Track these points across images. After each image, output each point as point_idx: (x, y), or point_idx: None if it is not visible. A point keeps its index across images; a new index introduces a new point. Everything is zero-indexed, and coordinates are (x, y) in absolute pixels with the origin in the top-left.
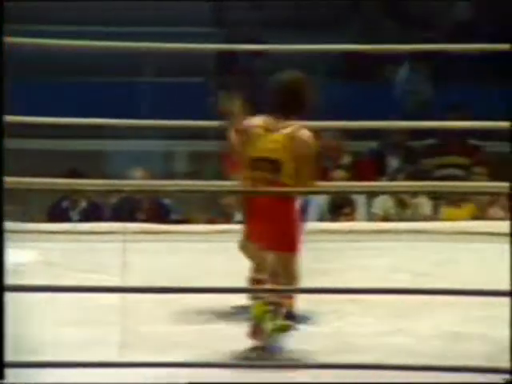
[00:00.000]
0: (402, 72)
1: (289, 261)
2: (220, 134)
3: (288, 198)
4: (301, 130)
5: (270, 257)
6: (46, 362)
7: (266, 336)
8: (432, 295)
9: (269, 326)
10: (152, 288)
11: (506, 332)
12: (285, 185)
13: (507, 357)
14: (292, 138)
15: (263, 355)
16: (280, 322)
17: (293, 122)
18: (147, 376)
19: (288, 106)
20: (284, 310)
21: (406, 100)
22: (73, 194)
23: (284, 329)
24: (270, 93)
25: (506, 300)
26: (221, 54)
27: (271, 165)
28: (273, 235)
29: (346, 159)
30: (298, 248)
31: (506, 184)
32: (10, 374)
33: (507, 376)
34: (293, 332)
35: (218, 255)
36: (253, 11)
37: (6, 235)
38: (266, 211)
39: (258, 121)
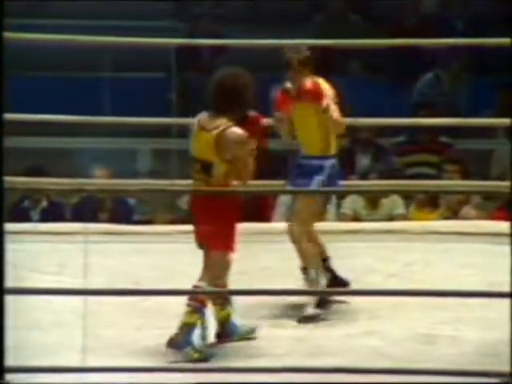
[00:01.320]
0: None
1: (215, 259)
2: (183, 132)
3: (219, 198)
4: (231, 129)
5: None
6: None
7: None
8: (424, 296)
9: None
10: (115, 290)
11: (480, 334)
12: (216, 186)
13: (482, 359)
14: (220, 137)
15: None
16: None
17: (227, 120)
18: (110, 381)
19: (222, 103)
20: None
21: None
22: (34, 193)
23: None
24: (208, 90)
25: (478, 301)
26: (182, 49)
27: (201, 165)
28: (206, 234)
29: None
30: (228, 247)
31: (478, 182)
32: None
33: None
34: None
35: (182, 256)
36: (215, 6)
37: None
38: (200, 211)
39: (197, 118)
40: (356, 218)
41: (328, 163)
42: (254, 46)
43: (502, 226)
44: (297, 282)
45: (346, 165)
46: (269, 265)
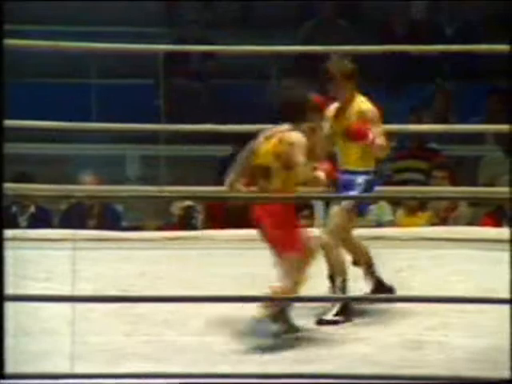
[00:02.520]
0: None
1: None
2: (171, 138)
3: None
4: (290, 133)
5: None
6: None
7: None
8: (422, 303)
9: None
10: (112, 297)
11: (468, 340)
12: (275, 192)
13: (470, 365)
14: (280, 141)
15: None
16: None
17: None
18: None
19: (288, 113)
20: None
21: None
22: (21, 199)
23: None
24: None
25: (468, 307)
26: (171, 55)
27: (261, 172)
28: (274, 238)
29: None
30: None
31: (466, 188)
32: None
33: None
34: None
35: (170, 263)
36: (204, 11)
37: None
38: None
39: (266, 131)
40: None
41: (361, 179)
42: (244, 52)
43: (492, 232)
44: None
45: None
46: (258, 271)
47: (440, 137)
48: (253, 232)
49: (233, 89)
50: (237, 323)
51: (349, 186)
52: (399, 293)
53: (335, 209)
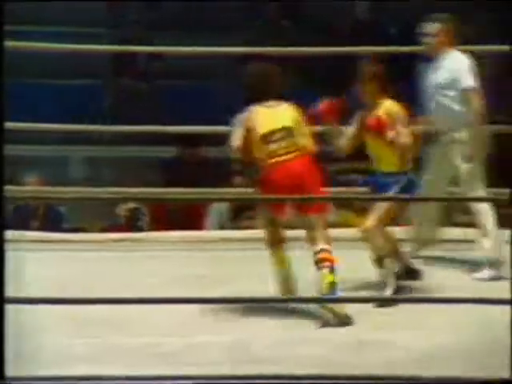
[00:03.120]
0: None
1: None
2: (115, 139)
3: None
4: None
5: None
6: None
7: None
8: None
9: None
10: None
11: (418, 340)
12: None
13: (421, 364)
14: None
15: None
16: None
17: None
18: None
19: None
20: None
21: None
22: None
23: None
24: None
25: (417, 307)
26: (117, 56)
27: (285, 133)
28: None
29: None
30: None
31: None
32: None
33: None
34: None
35: (113, 264)
36: (149, 12)
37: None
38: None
39: (250, 110)
40: (289, 226)
41: (394, 180)
42: (189, 53)
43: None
44: (232, 289)
45: None
46: (204, 273)
47: None
48: (197, 233)
49: (178, 90)
50: (182, 324)
51: (384, 187)
52: (351, 294)
53: (380, 205)
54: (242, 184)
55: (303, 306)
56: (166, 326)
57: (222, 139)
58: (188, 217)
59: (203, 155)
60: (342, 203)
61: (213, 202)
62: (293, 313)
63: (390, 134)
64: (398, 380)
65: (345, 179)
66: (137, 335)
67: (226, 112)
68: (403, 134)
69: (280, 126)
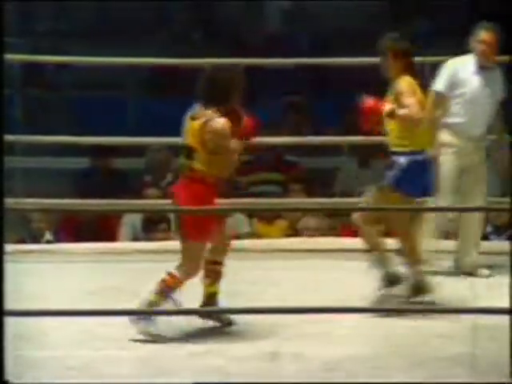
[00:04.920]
0: None
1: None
2: (27, 149)
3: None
4: (214, 119)
5: None
6: None
7: None
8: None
9: None
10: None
11: (324, 350)
12: (197, 174)
13: (327, 375)
14: (204, 126)
15: None
16: None
17: (213, 111)
18: None
19: (210, 95)
20: None
21: None
22: None
23: None
24: (199, 82)
25: (322, 317)
26: (26, 66)
27: (187, 150)
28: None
29: (170, 177)
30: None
31: (320, 200)
32: None
33: None
34: None
35: (24, 277)
36: (59, 22)
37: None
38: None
39: (191, 110)
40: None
41: (403, 159)
42: (98, 63)
43: (348, 242)
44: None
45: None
46: (115, 284)
47: (297, 149)
48: (110, 245)
49: (89, 100)
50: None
51: (390, 166)
52: (256, 305)
53: (373, 188)
54: (153, 195)
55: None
56: (74, 339)
57: (133, 150)
58: (100, 228)
59: (115, 166)
60: (252, 214)
61: (125, 214)
62: (195, 326)
63: (386, 109)
64: None
65: (258, 190)
66: (44, 348)
67: (137, 123)
68: (410, 105)
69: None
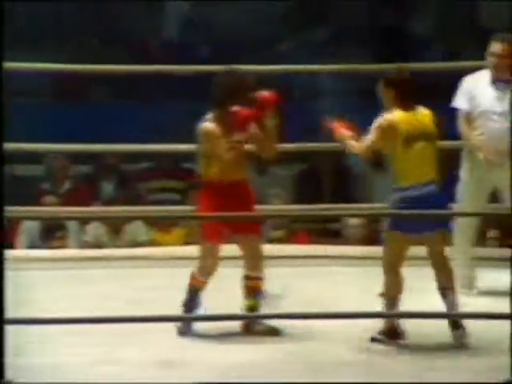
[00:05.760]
0: None
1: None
2: None
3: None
4: (204, 123)
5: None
6: None
7: None
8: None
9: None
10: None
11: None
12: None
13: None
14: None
15: None
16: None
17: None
18: None
19: (212, 99)
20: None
21: None
22: None
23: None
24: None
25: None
26: None
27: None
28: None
29: (67, 184)
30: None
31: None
32: None
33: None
34: None
35: None
36: None
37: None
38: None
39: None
40: (98, 245)
41: (396, 196)
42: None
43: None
44: (43, 312)
45: (89, 191)
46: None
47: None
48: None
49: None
50: None
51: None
52: (155, 312)
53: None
54: (51, 203)
55: None
56: None
57: (31, 157)
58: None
59: (13, 173)
60: (153, 222)
61: (23, 221)
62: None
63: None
64: None
65: (157, 198)
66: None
67: (38, 130)
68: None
69: None
